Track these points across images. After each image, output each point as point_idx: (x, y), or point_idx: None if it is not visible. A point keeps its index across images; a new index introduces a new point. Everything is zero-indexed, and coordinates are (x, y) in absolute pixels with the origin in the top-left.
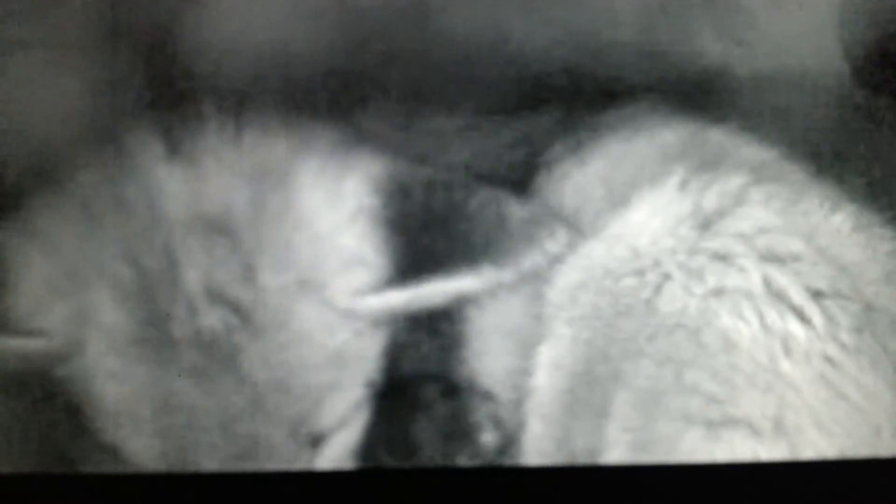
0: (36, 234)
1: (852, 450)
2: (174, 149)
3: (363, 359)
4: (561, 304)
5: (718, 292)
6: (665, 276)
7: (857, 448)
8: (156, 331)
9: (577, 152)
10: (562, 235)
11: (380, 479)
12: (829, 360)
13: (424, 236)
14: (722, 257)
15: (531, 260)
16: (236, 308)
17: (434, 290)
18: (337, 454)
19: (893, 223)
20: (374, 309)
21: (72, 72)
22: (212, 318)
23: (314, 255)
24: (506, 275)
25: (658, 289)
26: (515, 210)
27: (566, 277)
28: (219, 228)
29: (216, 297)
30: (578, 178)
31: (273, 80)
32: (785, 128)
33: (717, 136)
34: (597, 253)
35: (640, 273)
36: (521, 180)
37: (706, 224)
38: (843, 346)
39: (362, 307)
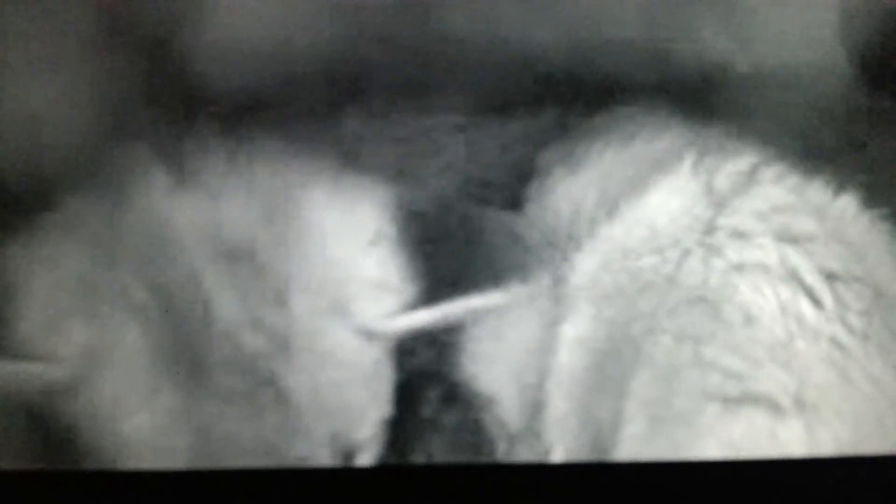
0: (44, 255)
1: (858, 437)
2: (180, 172)
3: (390, 376)
4: (582, 285)
5: (739, 267)
6: (685, 252)
7: (862, 436)
8: (187, 356)
9: (575, 152)
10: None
11: (397, 475)
12: (836, 342)
13: (445, 257)
14: (740, 234)
15: (554, 274)
16: (270, 332)
17: (460, 309)
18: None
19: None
20: (401, 330)
21: (76, 89)
22: (247, 342)
23: (339, 280)
24: (531, 289)
25: (678, 265)
26: (529, 232)
27: (587, 260)
28: (239, 254)
29: (249, 321)
30: (577, 177)
31: (273, 86)
32: (784, 126)
33: (718, 134)
34: (616, 235)
35: (660, 251)
36: (517, 180)
37: (721, 203)
38: (850, 330)
39: (389, 329)
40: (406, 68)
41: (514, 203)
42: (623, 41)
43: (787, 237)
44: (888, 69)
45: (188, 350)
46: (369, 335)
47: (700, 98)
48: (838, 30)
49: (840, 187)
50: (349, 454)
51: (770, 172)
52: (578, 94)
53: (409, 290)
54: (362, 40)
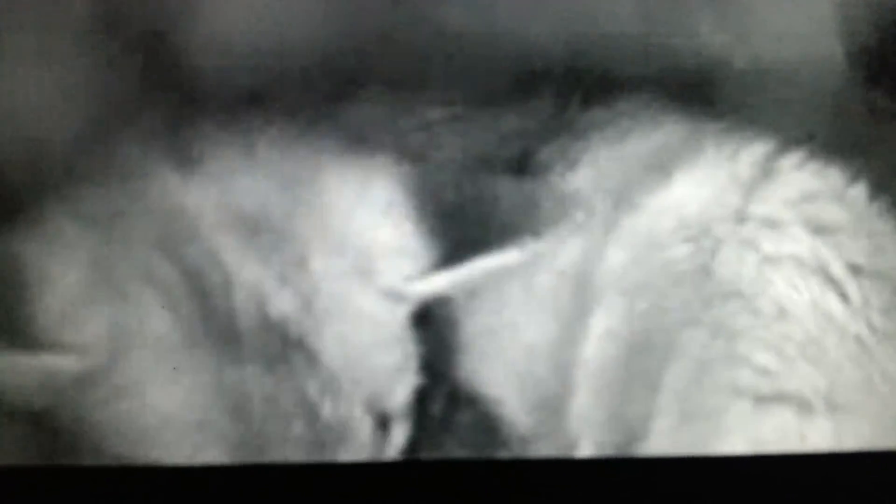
0: (58, 239)
1: (880, 438)
2: (193, 154)
3: (418, 343)
4: (612, 277)
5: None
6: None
7: (883, 437)
8: (217, 327)
9: (572, 147)
10: (598, 206)
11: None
12: (860, 341)
13: (459, 221)
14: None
15: (567, 228)
16: (297, 294)
17: (478, 269)
18: (402, 439)
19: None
20: (423, 292)
21: (78, 70)
22: (276, 306)
23: (359, 247)
24: (544, 245)
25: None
26: (540, 191)
27: (615, 253)
28: (257, 228)
29: (276, 285)
30: (574, 173)
31: (269, 73)
32: (784, 120)
33: (724, 126)
34: (642, 226)
35: (693, 240)
36: (515, 175)
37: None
38: (873, 329)
39: (412, 291)
40: (402, 62)
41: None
42: (620, 35)
43: (817, 227)
44: (886, 64)
45: (216, 322)
46: (396, 297)
47: (699, 92)
48: (836, 24)
49: (852, 176)
50: (385, 420)
51: (791, 159)
52: (576, 88)
53: (428, 256)
54: (359, 33)
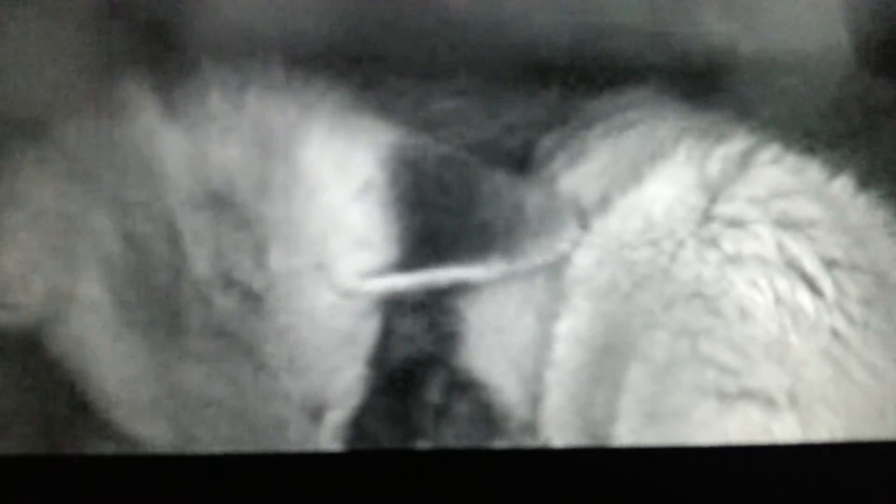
0: (17, 196)
1: (857, 430)
2: (171, 105)
3: (365, 339)
4: (579, 279)
5: (734, 259)
6: (679, 244)
7: (861, 428)
8: (158, 314)
9: (577, 136)
10: (573, 228)
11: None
12: (836, 333)
13: (433, 218)
14: (737, 223)
15: (542, 254)
16: (247, 292)
17: (439, 277)
18: (333, 428)
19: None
20: (377, 291)
21: (59, 20)
22: (221, 302)
23: (322, 233)
24: (516, 267)
25: (673, 257)
26: (530, 198)
27: (584, 254)
28: (223, 201)
29: (226, 281)
30: (579, 162)
31: (275, 46)
32: (786, 110)
33: (717, 119)
34: (612, 227)
35: (656, 243)
36: (518, 165)
37: (717, 189)
38: (850, 320)
39: (366, 289)
40: (408, 50)
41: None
42: (626, 25)
43: (787, 223)
44: (891, 54)
45: (159, 306)
46: (347, 294)
47: (702, 82)
48: (842, 14)
49: (837, 169)
50: (319, 411)
51: (768, 154)
52: (580, 79)
53: (391, 252)
54: (364, 21)
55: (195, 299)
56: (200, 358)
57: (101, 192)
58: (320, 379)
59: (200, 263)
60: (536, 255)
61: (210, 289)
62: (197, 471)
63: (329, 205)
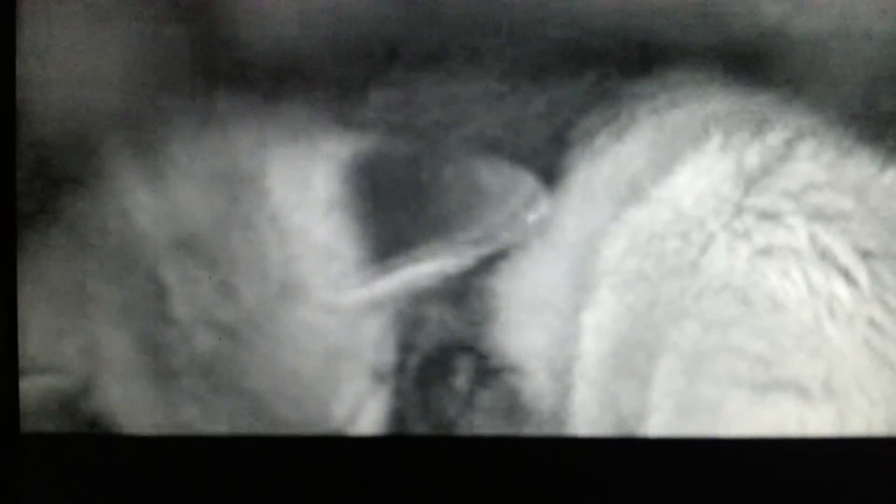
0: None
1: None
2: (145, 161)
3: (360, 350)
4: (606, 270)
5: (765, 251)
6: (710, 237)
7: None
8: (154, 359)
9: (616, 122)
10: (542, 204)
11: (411, 446)
12: (874, 323)
13: (397, 218)
14: (770, 216)
15: (508, 231)
16: (223, 328)
17: (415, 275)
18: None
19: None
20: (357, 301)
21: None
22: (203, 342)
23: (290, 257)
24: (484, 249)
25: (704, 249)
26: (489, 180)
27: (612, 244)
28: (192, 245)
29: (203, 320)
30: (616, 148)
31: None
32: (838, 92)
33: (764, 101)
34: (641, 218)
35: (685, 235)
36: (551, 151)
37: (751, 181)
38: (889, 309)
39: (346, 301)
40: (445, 31)
41: (549, 173)
42: (674, 4)
43: (821, 216)
44: None
45: (156, 352)
46: (329, 309)
47: (750, 64)
48: None
49: (889, 159)
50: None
51: (807, 147)
52: (623, 60)
53: (363, 260)
54: (399, 4)
55: (180, 341)
56: (195, 397)
57: (97, 259)
58: (322, 399)
59: (180, 307)
60: (504, 232)
61: (192, 330)
62: (243, 453)
63: (296, 225)
